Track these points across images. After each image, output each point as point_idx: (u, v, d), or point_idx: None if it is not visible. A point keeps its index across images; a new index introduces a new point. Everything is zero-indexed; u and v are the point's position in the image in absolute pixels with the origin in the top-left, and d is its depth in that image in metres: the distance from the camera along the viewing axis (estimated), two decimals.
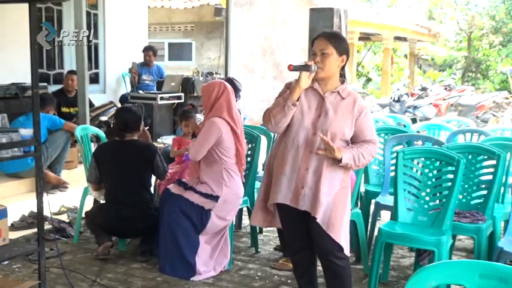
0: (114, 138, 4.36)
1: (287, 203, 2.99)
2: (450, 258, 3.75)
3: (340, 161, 2.86)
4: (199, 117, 4.16)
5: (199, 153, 3.87)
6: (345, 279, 3.03)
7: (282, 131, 3.02)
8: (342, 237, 2.93)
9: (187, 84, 8.46)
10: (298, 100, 2.91)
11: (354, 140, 2.98)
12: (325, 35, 2.98)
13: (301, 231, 3.05)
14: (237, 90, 5.10)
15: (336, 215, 2.92)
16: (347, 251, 2.99)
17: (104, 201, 4.35)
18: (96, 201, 4.68)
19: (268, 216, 3.17)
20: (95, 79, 8.80)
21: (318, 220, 2.87)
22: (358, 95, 3.06)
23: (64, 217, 5.07)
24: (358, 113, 2.94)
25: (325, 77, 2.94)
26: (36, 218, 3.21)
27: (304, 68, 2.87)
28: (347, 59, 2.98)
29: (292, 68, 2.88)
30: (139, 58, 8.86)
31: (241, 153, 4.00)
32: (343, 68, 3.01)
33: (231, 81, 5.37)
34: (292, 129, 2.97)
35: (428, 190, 3.65)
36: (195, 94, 8.55)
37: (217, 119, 3.87)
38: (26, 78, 6.63)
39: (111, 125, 4.47)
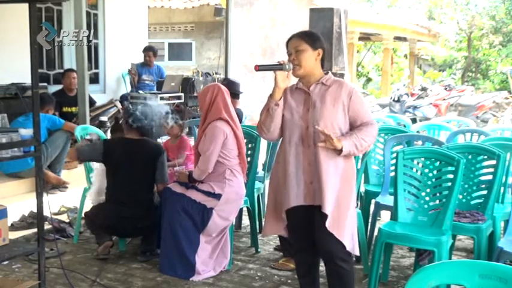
0: (119, 135, 4.37)
1: (301, 204, 2.97)
2: (450, 258, 3.74)
3: (341, 151, 2.82)
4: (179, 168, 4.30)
5: (211, 158, 3.86)
6: (348, 282, 3.02)
7: (276, 136, 3.05)
8: (346, 237, 2.91)
9: (187, 84, 8.47)
10: (281, 99, 2.93)
11: (352, 126, 2.94)
12: (297, 34, 3.02)
13: (305, 230, 3.04)
14: (236, 91, 5.11)
15: (340, 215, 2.89)
16: (355, 250, 2.97)
17: (103, 201, 4.34)
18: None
19: (281, 224, 3.12)
20: (94, 79, 8.80)
21: (328, 215, 2.84)
22: (343, 80, 3.04)
23: (64, 217, 5.07)
24: (347, 96, 2.91)
25: (304, 73, 2.95)
26: (36, 218, 3.22)
27: (277, 67, 2.89)
28: (323, 52, 2.98)
29: (258, 69, 2.89)
30: (139, 58, 8.87)
31: (243, 154, 4.01)
32: (322, 61, 3.00)
33: (230, 82, 5.37)
34: (286, 130, 2.99)
35: (428, 190, 3.65)
36: (194, 94, 8.56)
37: (218, 122, 3.89)
38: (26, 78, 6.63)
39: (119, 122, 4.46)
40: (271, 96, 2.96)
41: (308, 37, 2.97)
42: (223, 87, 4.02)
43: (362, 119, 2.93)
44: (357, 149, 2.88)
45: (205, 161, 3.87)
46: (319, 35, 3.07)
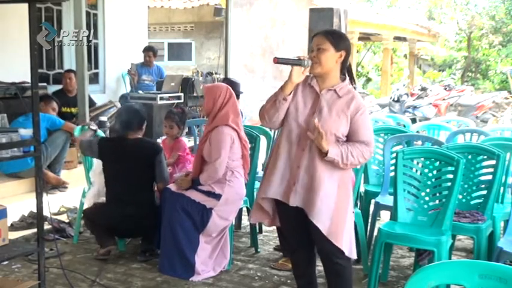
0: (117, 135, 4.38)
1: (278, 198, 2.97)
2: (450, 258, 3.74)
3: (326, 154, 2.78)
4: (180, 175, 4.29)
5: (223, 164, 3.85)
6: (346, 279, 3.01)
7: (277, 126, 3.01)
8: (345, 243, 2.89)
9: (186, 85, 8.46)
10: (290, 95, 2.88)
11: (348, 139, 2.89)
12: (323, 31, 2.97)
13: (299, 229, 3.03)
14: (236, 91, 5.12)
15: (338, 221, 2.87)
16: (352, 254, 2.94)
17: (103, 201, 4.34)
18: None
19: (265, 214, 3.12)
20: (94, 79, 8.80)
21: (319, 226, 2.83)
22: (357, 93, 2.97)
23: (64, 217, 5.07)
24: (354, 111, 2.86)
25: (322, 72, 2.90)
26: (36, 218, 3.21)
27: (295, 62, 2.84)
28: (347, 56, 2.93)
29: (276, 61, 2.85)
30: (139, 58, 8.87)
31: (247, 157, 4.02)
32: (343, 64, 2.94)
33: (230, 82, 5.37)
34: (286, 125, 2.95)
35: (428, 190, 3.65)
36: (194, 94, 8.56)
37: (225, 127, 3.88)
38: (25, 78, 6.64)
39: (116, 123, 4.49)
40: (281, 88, 2.89)
41: (333, 37, 2.90)
42: (233, 92, 4.02)
43: (359, 137, 2.87)
44: (341, 159, 2.80)
45: (217, 169, 3.85)
46: (345, 36, 3.02)
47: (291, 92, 2.88)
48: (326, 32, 2.95)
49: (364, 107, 2.93)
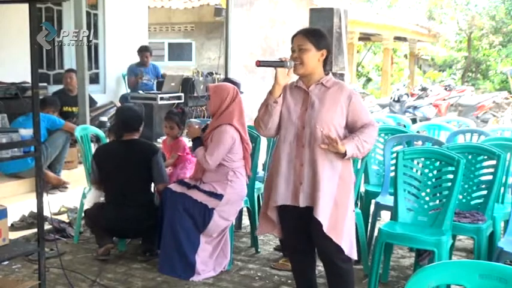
0: (115, 137, 4.37)
1: (288, 203, 2.96)
2: (450, 258, 3.74)
3: (344, 154, 2.82)
4: (194, 120, 4.23)
5: (216, 162, 3.87)
6: (348, 281, 3.00)
7: (273, 132, 3.02)
8: (344, 240, 2.88)
9: (187, 85, 8.47)
10: (280, 97, 2.91)
11: (353, 128, 2.92)
12: (303, 31, 2.98)
13: (300, 232, 3.02)
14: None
15: (338, 217, 2.87)
16: (352, 254, 2.93)
17: (103, 201, 4.34)
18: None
19: (272, 224, 3.10)
20: (95, 79, 8.81)
21: (321, 221, 2.82)
22: (344, 82, 3.01)
23: (64, 217, 5.07)
24: (347, 99, 2.90)
25: (305, 72, 2.92)
26: (36, 218, 3.21)
27: (278, 63, 2.86)
28: (328, 53, 2.96)
29: (259, 64, 2.87)
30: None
31: (248, 159, 4.02)
32: (325, 62, 2.98)
33: (231, 82, 5.37)
34: (282, 128, 2.97)
35: (428, 190, 3.65)
36: (194, 94, 8.56)
37: (228, 127, 3.88)
38: (26, 78, 6.64)
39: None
40: (270, 93, 2.92)
41: (313, 36, 2.92)
42: (239, 92, 4.02)
43: (363, 121, 2.92)
44: (359, 151, 2.87)
45: (208, 164, 3.86)
46: (325, 35, 3.03)
47: (280, 95, 2.91)
48: (306, 32, 2.97)
49: (354, 92, 2.97)
